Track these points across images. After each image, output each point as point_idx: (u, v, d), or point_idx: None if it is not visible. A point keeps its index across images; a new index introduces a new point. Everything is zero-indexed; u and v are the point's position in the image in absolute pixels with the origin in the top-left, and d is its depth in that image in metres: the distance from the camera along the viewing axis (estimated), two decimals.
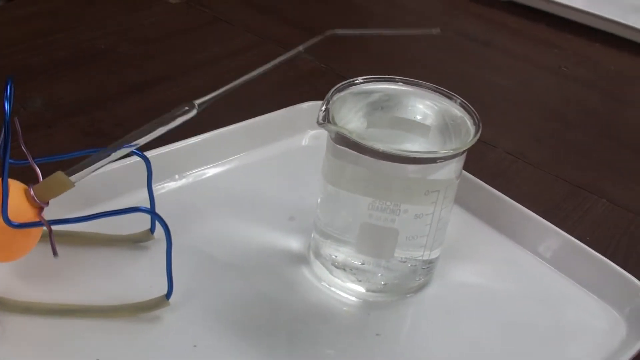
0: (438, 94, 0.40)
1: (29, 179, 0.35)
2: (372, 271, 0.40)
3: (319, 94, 0.42)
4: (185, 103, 0.37)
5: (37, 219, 0.34)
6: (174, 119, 0.37)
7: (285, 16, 0.77)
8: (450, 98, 0.40)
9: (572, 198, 0.53)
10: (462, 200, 0.46)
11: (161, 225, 0.35)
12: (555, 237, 0.44)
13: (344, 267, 0.40)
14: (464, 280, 0.42)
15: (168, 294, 0.37)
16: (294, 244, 0.43)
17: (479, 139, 0.37)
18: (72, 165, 0.35)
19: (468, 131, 0.38)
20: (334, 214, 0.40)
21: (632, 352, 0.38)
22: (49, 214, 0.35)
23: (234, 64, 0.65)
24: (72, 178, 0.35)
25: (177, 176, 0.47)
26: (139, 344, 0.36)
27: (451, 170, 0.37)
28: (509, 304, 0.41)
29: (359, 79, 0.40)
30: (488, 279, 0.43)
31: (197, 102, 0.37)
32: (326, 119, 0.36)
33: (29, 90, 0.57)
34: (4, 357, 0.34)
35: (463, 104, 0.39)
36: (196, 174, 0.48)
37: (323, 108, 0.37)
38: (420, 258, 0.40)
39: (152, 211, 0.35)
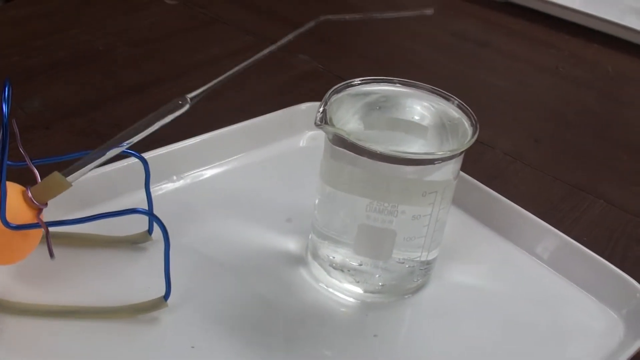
0: (435, 95, 0.40)
1: (27, 180, 0.35)
2: (369, 272, 0.40)
3: (316, 95, 0.42)
4: (178, 97, 0.37)
5: (36, 221, 0.34)
6: (167, 113, 0.37)
7: (285, 16, 0.77)
8: (447, 99, 0.40)
9: (570, 199, 0.53)
10: (460, 201, 0.46)
11: (159, 226, 0.35)
12: (553, 237, 0.44)
13: (341, 268, 0.40)
14: (462, 281, 0.42)
15: (166, 295, 0.37)
16: (292, 245, 0.43)
17: (476, 140, 0.37)
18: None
19: (465, 132, 0.38)
20: (332, 215, 0.40)
21: (630, 353, 0.38)
22: (47, 215, 0.35)
23: (232, 65, 0.65)
24: (69, 178, 0.35)
25: (174, 177, 0.47)
26: (137, 345, 0.36)
27: (449, 171, 0.38)
28: (506, 305, 0.41)
29: (357, 80, 0.40)
30: (486, 280, 0.43)
31: (189, 95, 0.37)
32: (324, 120, 0.36)
33: (27, 92, 0.57)
34: (2, 358, 0.34)
35: (460, 105, 0.39)
36: (194, 175, 0.48)
37: (321, 109, 0.37)
38: (418, 259, 0.40)
39: (150, 212, 0.35)
